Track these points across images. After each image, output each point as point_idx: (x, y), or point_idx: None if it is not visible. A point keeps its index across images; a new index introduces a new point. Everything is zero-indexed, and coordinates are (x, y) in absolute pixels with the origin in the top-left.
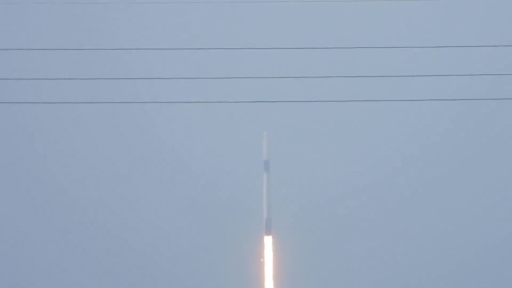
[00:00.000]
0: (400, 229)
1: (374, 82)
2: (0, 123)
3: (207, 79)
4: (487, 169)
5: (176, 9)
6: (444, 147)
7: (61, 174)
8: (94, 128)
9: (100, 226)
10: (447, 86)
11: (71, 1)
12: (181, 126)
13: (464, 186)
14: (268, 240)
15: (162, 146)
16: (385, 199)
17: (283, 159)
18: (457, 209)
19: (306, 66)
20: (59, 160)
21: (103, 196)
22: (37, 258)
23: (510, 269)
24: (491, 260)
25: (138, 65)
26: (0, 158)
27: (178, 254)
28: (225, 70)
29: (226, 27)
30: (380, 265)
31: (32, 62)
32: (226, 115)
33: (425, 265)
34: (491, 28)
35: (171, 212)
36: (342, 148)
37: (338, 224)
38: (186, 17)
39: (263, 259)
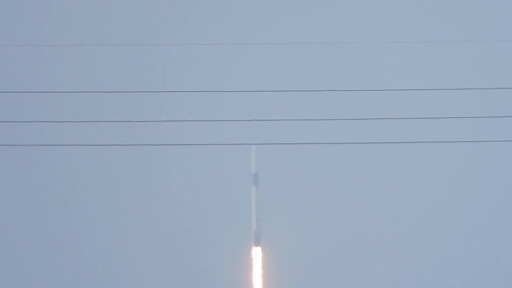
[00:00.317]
0: (390, 244)
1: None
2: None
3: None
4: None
5: (177, 51)
6: (440, 189)
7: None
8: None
9: (87, 231)
10: (450, 128)
11: (80, 43)
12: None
13: (466, 229)
14: (257, 252)
15: (150, 156)
16: (376, 211)
17: (272, 172)
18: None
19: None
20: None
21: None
22: None
23: None
24: None
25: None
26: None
27: (167, 266)
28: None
29: (222, 69)
30: (369, 278)
31: (43, 103)
32: (215, 128)
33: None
34: (499, 69)
35: (160, 223)
36: (331, 160)
37: (327, 236)
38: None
39: (252, 255)
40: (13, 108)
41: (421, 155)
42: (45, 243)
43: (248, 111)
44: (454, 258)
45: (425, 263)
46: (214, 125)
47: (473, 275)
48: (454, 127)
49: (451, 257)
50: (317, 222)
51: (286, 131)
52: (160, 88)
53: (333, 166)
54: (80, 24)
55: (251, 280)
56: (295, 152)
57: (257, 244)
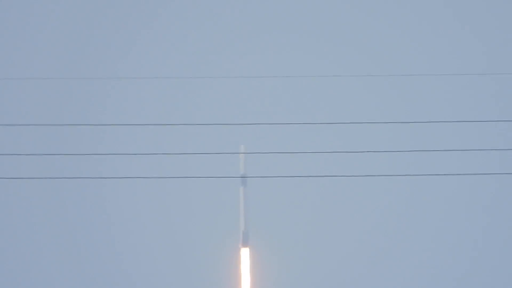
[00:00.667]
0: (379, 244)
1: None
2: None
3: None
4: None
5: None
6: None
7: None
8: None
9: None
10: (448, 161)
11: (59, 76)
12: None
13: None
14: (245, 252)
15: (141, 157)
16: (365, 210)
17: (260, 173)
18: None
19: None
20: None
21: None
22: None
23: None
24: None
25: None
26: None
27: (155, 267)
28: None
29: (217, 103)
30: (358, 278)
31: (20, 137)
32: (203, 128)
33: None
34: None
35: (148, 224)
36: (320, 161)
37: (315, 237)
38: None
39: (240, 256)
40: None
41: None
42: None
43: (238, 113)
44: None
45: (416, 261)
46: (203, 127)
47: None
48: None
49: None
50: (305, 222)
51: (273, 131)
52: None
53: (321, 166)
54: (15, 57)
55: (239, 281)
56: (282, 152)
57: (245, 245)
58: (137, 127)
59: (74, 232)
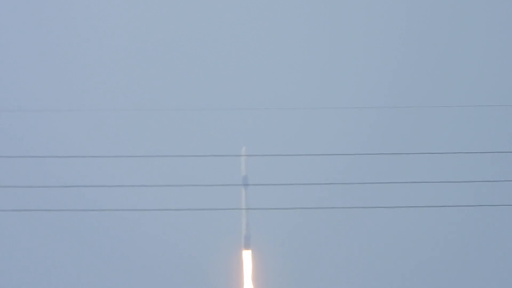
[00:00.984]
0: (381, 247)
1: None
2: None
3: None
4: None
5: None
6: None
7: None
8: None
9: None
10: (448, 193)
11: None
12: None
13: None
14: (247, 254)
15: (142, 159)
16: (367, 214)
17: (261, 174)
18: None
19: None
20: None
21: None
22: None
23: None
24: None
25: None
26: None
27: (157, 270)
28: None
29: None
30: (359, 280)
31: (18, 170)
32: (204, 130)
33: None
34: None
35: (149, 227)
36: (322, 162)
37: (317, 240)
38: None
39: (242, 259)
40: None
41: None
42: None
43: (240, 118)
44: None
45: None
46: (205, 134)
47: None
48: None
49: None
50: (307, 225)
51: (276, 135)
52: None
53: (324, 168)
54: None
55: (241, 284)
56: (285, 154)
57: (247, 248)
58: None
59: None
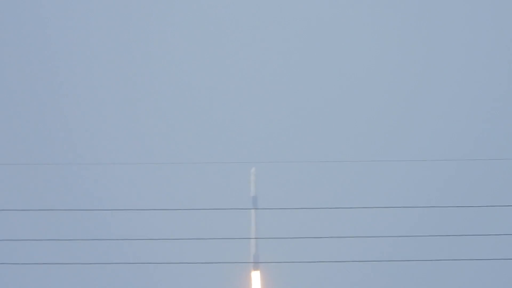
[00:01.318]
0: (389, 263)
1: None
2: None
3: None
4: None
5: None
6: None
7: None
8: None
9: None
10: (448, 246)
11: (67, 162)
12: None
13: None
14: (256, 275)
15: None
16: (373, 229)
17: (271, 195)
18: None
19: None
20: None
21: None
22: None
23: None
24: None
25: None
26: None
27: None
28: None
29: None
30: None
31: (32, 223)
32: (214, 150)
33: None
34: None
35: (159, 246)
36: (330, 182)
37: (326, 260)
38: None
39: (251, 279)
40: None
41: None
42: None
43: (248, 133)
44: None
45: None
46: (214, 145)
47: None
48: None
49: None
50: (317, 246)
51: (284, 153)
52: None
53: (332, 187)
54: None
55: None
56: (294, 174)
57: (256, 268)
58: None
59: None
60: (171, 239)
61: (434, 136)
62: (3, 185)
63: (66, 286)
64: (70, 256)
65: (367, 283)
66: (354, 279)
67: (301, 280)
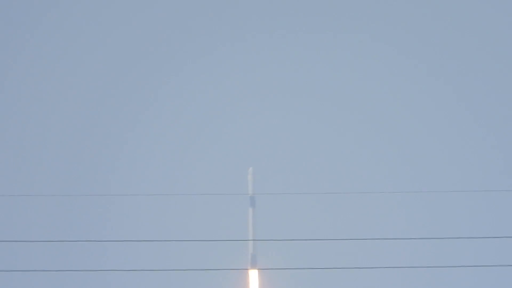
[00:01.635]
0: (386, 264)
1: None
2: None
3: None
4: None
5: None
6: None
7: None
8: None
9: None
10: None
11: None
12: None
13: None
14: (253, 274)
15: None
16: (371, 228)
17: (268, 194)
18: None
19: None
20: None
21: None
22: None
23: None
24: None
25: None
26: None
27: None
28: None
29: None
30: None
31: (27, 254)
32: (211, 150)
33: None
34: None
35: (157, 246)
36: (327, 182)
37: (324, 259)
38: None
39: (248, 278)
40: None
41: None
42: None
43: (246, 136)
44: None
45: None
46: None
47: None
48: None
49: None
50: (314, 244)
51: (282, 152)
52: None
53: (329, 186)
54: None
55: None
56: (291, 173)
57: (253, 267)
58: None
59: None
60: (168, 241)
61: (435, 168)
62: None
63: None
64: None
65: (366, 282)
66: (351, 279)
67: (299, 279)
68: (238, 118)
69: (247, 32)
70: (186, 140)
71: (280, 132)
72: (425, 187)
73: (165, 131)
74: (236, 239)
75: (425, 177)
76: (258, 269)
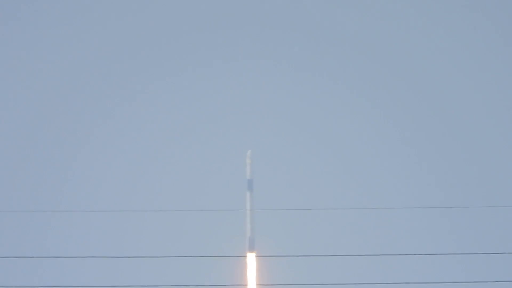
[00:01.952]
0: (384, 248)
1: None
2: None
3: None
4: None
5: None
6: None
7: None
8: None
9: None
10: None
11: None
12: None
13: None
14: (251, 257)
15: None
16: (369, 214)
17: (266, 178)
18: None
19: None
20: None
21: None
22: None
23: None
24: None
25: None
26: None
27: (162, 273)
28: None
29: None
30: (364, 281)
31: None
32: (210, 134)
33: None
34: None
35: (154, 230)
36: (326, 166)
37: (321, 242)
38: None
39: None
40: None
41: None
42: None
43: (245, 118)
44: None
45: None
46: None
47: None
48: None
49: None
50: (312, 228)
51: (280, 135)
52: None
53: (328, 171)
54: None
55: (245, 286)
56: (289, 157)
57: (251, 250)
58: None
59: None
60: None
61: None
62: None
63: None
64: None
65: (362, 272)
66: (349, 266)
67: (296, 262)
68: (237, 104)
69: (247, 24)
70: (184, 126)
71: (278, 116)
72: (426, 202)
73: (166, 113)
74: (234, 224)
75: (426, 191)
76: (256, 255)
